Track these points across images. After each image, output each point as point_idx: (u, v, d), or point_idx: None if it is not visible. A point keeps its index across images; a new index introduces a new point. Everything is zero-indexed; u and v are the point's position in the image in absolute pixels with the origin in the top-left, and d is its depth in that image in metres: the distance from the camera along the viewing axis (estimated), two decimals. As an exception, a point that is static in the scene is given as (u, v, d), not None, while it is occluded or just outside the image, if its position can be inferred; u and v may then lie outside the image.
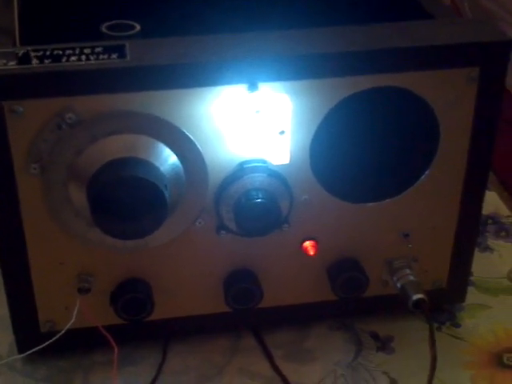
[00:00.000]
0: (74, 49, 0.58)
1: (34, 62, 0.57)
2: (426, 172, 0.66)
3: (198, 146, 0.61)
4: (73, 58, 0.57)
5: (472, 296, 0.77)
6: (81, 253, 0.64)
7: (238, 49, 0.59)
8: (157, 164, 0.59)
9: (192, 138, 0.60)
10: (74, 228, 0.62)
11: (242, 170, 0.62)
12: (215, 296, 0.69)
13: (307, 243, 0.67)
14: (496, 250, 0.84)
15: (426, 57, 0.61)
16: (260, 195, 0.62)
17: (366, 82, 0.61)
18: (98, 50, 0.58)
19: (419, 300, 0.67)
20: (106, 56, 0.58)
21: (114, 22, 0.70)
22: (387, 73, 0.61)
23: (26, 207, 0.61)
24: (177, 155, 0.60)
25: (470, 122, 0.64)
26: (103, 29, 0.69)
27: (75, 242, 0.63)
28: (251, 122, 0.60)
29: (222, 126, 0.60)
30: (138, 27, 0.69)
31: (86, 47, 0.59)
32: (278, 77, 0.59)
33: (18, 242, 0.63)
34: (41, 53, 0.58)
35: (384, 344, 0.73)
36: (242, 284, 0.67)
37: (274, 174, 0.62)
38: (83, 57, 0.57)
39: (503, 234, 0.87)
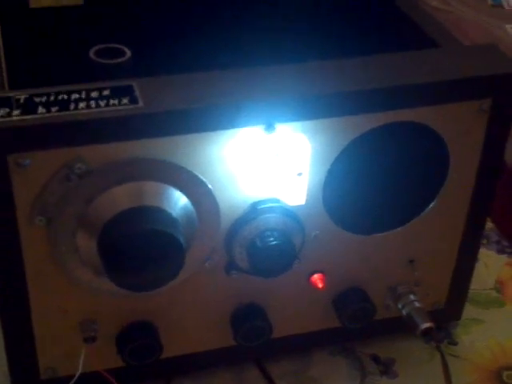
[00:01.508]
0: (79, 92, 0.55)
1: (40, 110, 0.52)
2: (434, 201, 0.66)
3: (211, 187, 0.58)
4: (81, 105, 0.53)
5: (464, 310, 0.78)
6: (85, 300, 0.61)
7: (254, 89, 0.56)
8: (169, 210, 0.56)
9: (205, 180, 0.58)
10: (80, 277, 0.59)
11: (255, 210, 0.60)
12: (221, 331, 0.67)
13: (315, 276, 0.66)
14: (480, 259, 0.85)
15: (439, 92, 0.59)
16: (275, 236, 0.60)
17: (379, 119, 0.59)
18: (105, 92, 0.55)
19: (428, 328, 0.67)
20: (116, 101, 0.54)
21: (102, 46, 0.66)
22: (401, 109, 0.59)
23: (29, 257, 0.57)
24: (189, 198, 0.58)
25: (479, 151, 0.64)
26: (91, 55, 0.65)
27: (80, 290, 0.60)
28: (267, 164, 0.57)
29: (236, 168, 0.58)
30: (128, 53, 0.66)
31: (92, 90, 0.55)
32: (296, 117, 0.57)
33: (19, 290, 0.59)
34: (45, 98, 0.54)
35: (387, 368, 0.72)
36: (251, 322, 0.65)
37: (288, 214, 0.60)
38: (92, 102, 0.54)
39: (484, 241, 0.88)
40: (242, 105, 0.55)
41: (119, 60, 0.65)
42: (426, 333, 0.67)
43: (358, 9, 0.73)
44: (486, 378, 0.72)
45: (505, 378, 0.72)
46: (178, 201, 0.57)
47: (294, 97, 0.56)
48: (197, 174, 0.57)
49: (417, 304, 0.69)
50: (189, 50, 0.68)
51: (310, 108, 0.57)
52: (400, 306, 0.69)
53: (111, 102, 0.54)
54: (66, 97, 0.54)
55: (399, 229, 0.66)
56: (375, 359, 0.73)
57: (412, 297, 0.69)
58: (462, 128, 0.62)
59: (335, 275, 0.67)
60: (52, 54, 0.66)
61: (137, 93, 0.55)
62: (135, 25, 0.70)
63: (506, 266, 0.85)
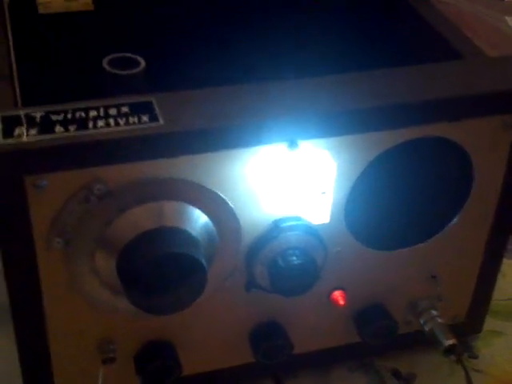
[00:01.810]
0: (97, 109, 0.53)
1: (58, 129, 0.51)
2: (458, 215, 0.64)
3: (232, 206, 0.57)
4: (100, 123, 0.52)
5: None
6: (102, 321, 0.59)
7: (275, 105, 0.54)
8: (190, 229, 0.55)
9: (225, 198, 0.56)
10: (97, 297, 0.57)
11: (277, 228, 0.58)
12: (240, 348, 0.65)
13: (336, 293, 0.65)
14: (499, 269, 0.84)
15: (463, 106, 0.58)
16: (297, 255, 0.58)
17: (403, 135, 0.58)
18: (124, 109, 0.53)
19: (451, 345, 0.66)
20: (136, 119, 0.52)
21: (115, 55, 0.64)
22: (425, 124, 0.58)
23: (46, 278, 0.56)
24: (209, 217, 0.56)
25: (504, 166, 0.62)
26: (105, 65, 0.64)
27: (97, 311, 0.59)
28: (290, 181, 0.56)
29: (258, 185, 0.56)
30: (142, 63, 0.64)
31: (110, 106, 0.53)
32: (319, 134, 0.55)
33: (36, 310, 0.57)
34: (62, 116, 0.52)
35: (408, 383, 0.71)
36: (271, 341, 0.64)
37: (311, 231, 0.59)
38: (111, 120, 0.52)
39: (503, 249, 0.87)
40: (265, 123, 0.53)
41: (134, 71, 0.64)
42: (450, 350, 0.66)
43: (377, 19, 0.71)
44: (508, 392, 0.71)
45: (528, 393, 0.72)
46: (199, 220, 0.56)
47: (317, 113, 0.55)
48: (217, 192, 0.55)
49: (439, 320, 0.67)
50: (203, 60, 0.66)
51: (334, 124, 0.55)
52: (422, 321, 0.68)
53: (131, 119, 0.52)
54: (83, 114, 0.52)
55: (421, 244, 0.65)
56: (396, 374, 0.72)
57: (434, 312, 0.68)
58: (487, 143, 0.61)
59: (356, 291, 0.66)
60: (64, 64, 0.65)
61: (156, 110, 0.53)
62: (148, 33, 0.68)
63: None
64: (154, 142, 0.52)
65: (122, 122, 0.52)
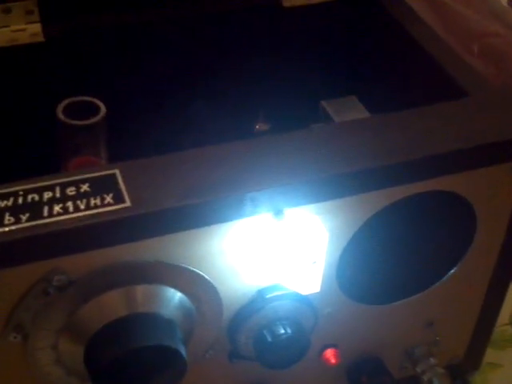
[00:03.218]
0: (53, 189, 0.46)
1: (7, 219, 0.44)
2: (457, 265, 0.59)
3: (211, 281, 0.50)
4: (57, 209, 0.44)
5: (480, 352, 0.72)
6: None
7: (257, 175, 0.48)
8: (164, 311, 0.49)
9: (202, 274, 0.50)
10: (63, 385, 0.51)
11: (262, 299, 0.52)
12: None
13: (328, 352, 0.59)
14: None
15: (466, 158, 0.52)
16: (285, 326, 0.53)
17: (398, 193, 0.52)
18: (84, 187, 0.46)
19: (451, 399, 0.61)
20: (98, 200, 0.45)
21: (70, 100, 0.57)
22: (425, 180, 0.52)
23: (3, 373, 0.50)
24: (185, 293, 0.50)
25: (508, 213, 0.57)
26: (60, 114, 0.56)
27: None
28: (277, 252, 0.50)
29: (240, 259, 0.50)
30: (102, 109, 0.57)
31: (67, 184, 0.46)
32: (306, 201, 0.49)
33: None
34: (11, 201, 0.45)
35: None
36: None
37: (299, 298, 0.53)
38: (69, 204, 0.45)
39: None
40: (246, 196, 0.47)
41: (92, 120, 0.56)
42: (450, 402, 0.62)
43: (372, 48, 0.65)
44: None
45: None
46: (173, 299, 0.50)
47: (304, 181, 0.48)
48: (193, 269, 0.49)
49: (438, 370, 0.62)
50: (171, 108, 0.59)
51: (323, 190, 0.49)
52: (419, 370, 0.63)
53: (92, 202, 0.45)
54: (37, 197, 0.45)
55: (418, 295, 0.60)
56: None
57: (432, 360, 0.63)
58: (491, 191, 0.55)
59: (349, 347, 0.60)
60: (10, 109, 0.57)
61: (121, 186, 0.46)
62: (109, 71, 0.60)
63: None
64: (120, 226, 0.45)
65: (82, 205, 0.45)
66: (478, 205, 0.55)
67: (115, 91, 0.60)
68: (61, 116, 0.56)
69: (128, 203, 0.45)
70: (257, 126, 0.67)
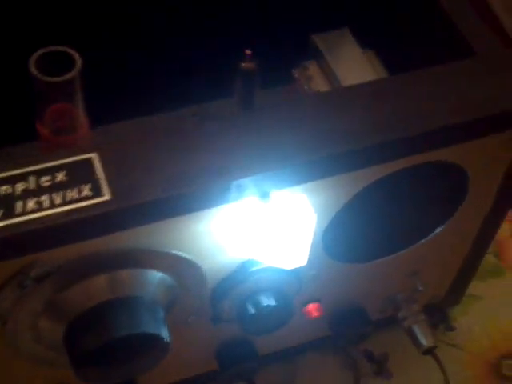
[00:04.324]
0: (26, 178, 0.43)
1: (-21, 217, 0.41)
2: (444, 224, 0.57)
3: (194, 260, 0.49)
4: (30, 204, 0.42)
5: (461, 284, 0.72)
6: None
7: (241, 160, 0.45)
8: (147, 294, 0.48)
9: (186, 256, 0.48)
10: (43, 359, 0.51)
11: (245, 271, 0.51)
12: (206, 360, 0.61)
13: (311, 306, 0.59)
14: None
15: (463, 131, 0.49)
16: (269, 298, 0.52)
17: (389, 167, 0.49)
18: (60, 177, 0.43)
19: (431, 347, 0.62)
20: (75, 193, 0.43)
21: (44, 50, 0.53)
22: (417, 154, 0.49)
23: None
24: (168, 274, 0.49)
25: (500, 177, 0.55)
26: (32, 68, 0.52)
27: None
28: (263, 233, 0.48)
29: (224, 239, 0.48)
30: (78, 61, 0.53)
31: (42, 172, 0.43)
32: (293, 183, 0.47)
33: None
34: (-19, 192, 0.42)
35: (381, 367, 0.68)
36: (239, 359, 0.59)
37: (283, 270, 0.52)
38: (44, 199, 0.42)
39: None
40: (231, 183, 0.44)
41: (66, 77, 0.52)
42: (429, 351, 0.62)
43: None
44: (485, 371, 0.69)
45: (504, 371, 0.69)
46: (154, 280, 0.48)
47: (289, 165, 0.45)
48: (175, 252, 0.47)
49: (419, 317, 0.63)
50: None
51: (308, 173, 0.46)
52: (401, 316, 0.63)
53: (69, 195, 0.43)
54: (10, 190, 0.43)
55: (404, 251, 0.59)
56: (368, 356, 0.68)
57: (414, 307, 0.63)
58: (487, 159, 0.53)
59: (332, 301, 0.60)
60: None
61: (99, 174, 0.43)
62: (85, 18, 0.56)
63: (505, 223, 0.78)
64: (100, 221, 0.43)
65: (58, 199, 0.42)
66: (473, 172, 0.53)
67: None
68: (33, 70, 0.52)
69: (107, 196, 0.43)
70: (243, 64, 0.63)
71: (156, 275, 0.48)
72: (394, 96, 0.49)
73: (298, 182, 0.47)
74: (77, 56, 0.53)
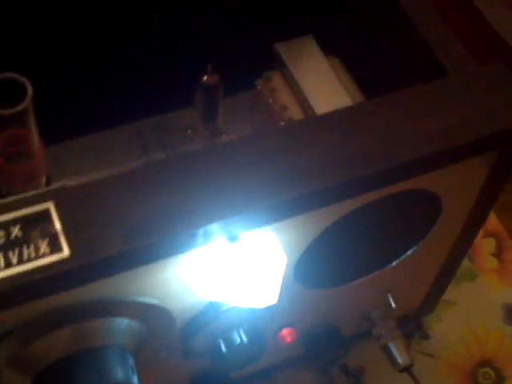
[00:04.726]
0: (-24, 234, 0.41)
1: None
2: (416, 246, 0.56)
3: (163, 305, 0.47)
4: (-17, 263, 0.40)
5: (434, 289, 0.71)
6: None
7: (206, 204, 0.43)
8: (113, 342, 0.46)
9: (152, 302, 0.46)
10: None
11: (214, 308, 0.49)
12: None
13: (284, 332, 0.58)
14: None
15: (437, 160, 0.47)
16: (241, 335, 0.50)
17: (359, 200, 0.48)
18: (15, 232, 0.41)
19: (408, 366, 0.61)
20: (32, 250, 0.40)
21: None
22: (390, 185, 0.48)
23: None
24: (135, 320, 0.47)
25: (473, 201, 0.53)
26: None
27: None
28: (232, 273, 0.46)
29: (192, 282, 0.46)
30: (29, 89, 0.50)
31: (-4, 227, 0.41)
32: (261, 224, 0.45)
33: None
34: None
35: (357, 380, 0.67)
36: None
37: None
38: (-1, 257, 0.40)
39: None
40: (198, 231, 0.42)
41: (20, 107, 0.49)
42: (406, 369, 0.61)
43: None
44: (461, 381, 0.68)
45: (480, 379, 0.68)
46: (120, 327, 0.46)
47: (257, 208, 0.43)
48: (141, 299, 0.45)
49: (395, 333, 0.61)
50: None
51: (276, 214, 0.44)
52: (376, 333, 0.62)
53: (25, 253, 0.40)
54: (-38, 248, 0.40)
55: (376, 272, 0.57)
56: (344, 369, 0.67)
57: (390, 322, 0.62)
58: (459, 182, 0.51)
59: (305, 325, 0.59)
60: None
61: (57, 227, 0.41)
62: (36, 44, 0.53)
63: (477, 225, 0.77)
64: (59, 280, 0.41)
65: (13, 258, 0.40)
66: (445, 197, 0.51)
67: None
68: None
69: (66, 252, 0.40)
70: (204, 78, 0.60)
71: (123, 322, 0.46)
72: (363, 127, 0.47)
73: (266, 223, 0.45)
74: (28, 84, 0.50)
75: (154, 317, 0.47)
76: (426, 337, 0.70)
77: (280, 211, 0.44)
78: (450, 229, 0.56)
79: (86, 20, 0.60)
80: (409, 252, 0.56)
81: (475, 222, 0.56)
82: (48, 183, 0.57)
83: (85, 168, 0.64)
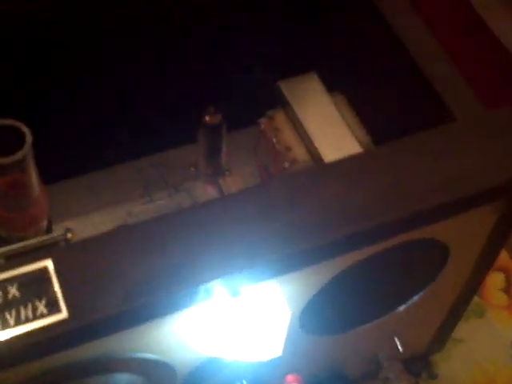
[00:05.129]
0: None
1: None
2: (423, 291, 0.55)
3: (163, 360, 0.46)
4: (-19, 329, 0.39)
5: (442, 326, 0.70)
6: None
7: (208, 260, 0.42)
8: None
9: (155, 357, 0.45)
10: None
11: (218, 360, 0.48)
12: None
13: (290, 377, 0.56)
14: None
15: (446, 210, 0.46)
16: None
17: (365, 252, 0.47)
18: (12, 292, 0.40)
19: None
20: (29, 311, 0.39)
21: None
22: (397, 236, 0.46)
23: None
24: (135, 374, 0.46)
25: (481, 247, 0.52)
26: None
27: None
28: (237, 327, 0.45)
29: (194, 337, 0.45)
30: (28, 136, 0.49)
31: (-8, 285, 0.40)
32: (265, 278, 0.44)
33: None
34: None
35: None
36: None
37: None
38: (-4, 318, 0.39)
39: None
40: (199, 288, 0.41)
41: (19, 155, 0.48)
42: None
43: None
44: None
45: (490, 420, 0.67)
46: (121, 382, 0.45)
47: (259, 262, 0.42)
48: (141, 355, 0.44)
49: (402, 376, 0.60)
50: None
51: (277, 269, 0.43)
52: (382, 376, 0.61)
53: (23, 313, 0.39)
54: (-42, 309, 0.39)
55: (381, 318, 0.56)
56: (351, 410, 0.66)
57: (397, 365, 0.60)
58: (467, 231, 0.50)
59: (311, 370, 0.58)
60: None
61: (55, 286, 0.40)
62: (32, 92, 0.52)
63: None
64: (57, 340, 0.39)
65: (11, 319, 0.39)
66: (453, 244, 0.50)
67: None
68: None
69: (64, 313, 0.39)
70: (207, 118, 0.59)
71: (123, 378, 0.45)
72: (369, 177, 0.46)
73: (270, 277, 0.44)
74: (27, 131, 0.49)
75: (154, 371, 0.46)
76: (434, 376, 0.68)
77: (283, 265, 0.43)
78: (457, 273, 0.55)
79: (86, 58, 0.59)
80: (415, 297, 0.55)
81: (484, 266, 0.55)
82: (49, 226, 0.57)
83: (86, 208, 0.63)
